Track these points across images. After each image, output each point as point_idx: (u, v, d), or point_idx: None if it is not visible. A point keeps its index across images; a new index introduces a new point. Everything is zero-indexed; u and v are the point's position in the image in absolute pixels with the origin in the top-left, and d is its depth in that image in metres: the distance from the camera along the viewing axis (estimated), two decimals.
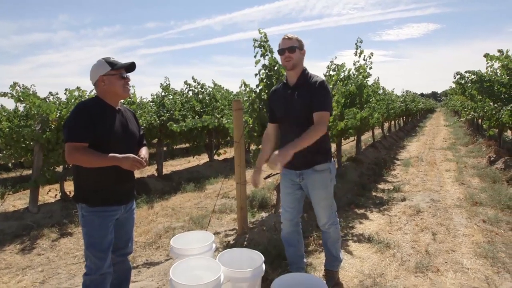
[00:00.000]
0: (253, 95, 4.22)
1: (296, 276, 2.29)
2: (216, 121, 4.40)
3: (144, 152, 2.33)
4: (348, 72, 5.98)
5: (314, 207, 2.75)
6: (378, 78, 8.36)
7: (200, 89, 9.19)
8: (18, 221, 4.77)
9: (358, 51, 5.58)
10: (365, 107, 6.35)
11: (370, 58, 5.89)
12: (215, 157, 9.72)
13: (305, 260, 3.09)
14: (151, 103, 8.42)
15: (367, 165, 8.15)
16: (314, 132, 2.43)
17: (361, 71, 5.94)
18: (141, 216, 5.04)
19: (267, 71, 4.22)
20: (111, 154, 2.02)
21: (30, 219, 4.80)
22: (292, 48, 2.53)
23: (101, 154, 2.01)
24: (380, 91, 10.55)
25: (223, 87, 10.49)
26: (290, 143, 2.38)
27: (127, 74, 2.22)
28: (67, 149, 1.99)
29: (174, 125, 4.33)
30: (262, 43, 4.12)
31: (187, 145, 10.41)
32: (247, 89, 4.32)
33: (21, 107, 7.20)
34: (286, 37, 2.57)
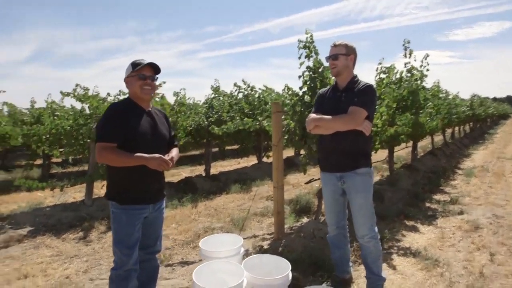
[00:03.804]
0: (295, 98, 4.12)
1: None
2: (257, 124, 4.37)
3: (174, 153, 2.35)
4: (400, 75, 5.63)
5: (353, 215, 2.70)
6: (439, 81, 7.78)
7: (250, 91, 9.24)
8: (74, 212, 5.14)
9: (407, 52, 5.24)
10: (421, 112, 5.92)
11: (426, 59, 5.50)
12: (264, 159, 9.71)
13: (351, 264, 3.02)
14: (205, 105, 8.63)
15: (423, 174, 7.60)
16: (340, 119, 2.51)
17: (413, 72, 5.55)
18: (184, 214, 5.16)
19: (311, 73, 4.10)
20: (137, 154, 2.07)
21: (85, 211, 5.15)
22: (335, 56, 2.63)
23: (129, 153, 2.07)
24: (442, 95, 9.82)
25: (274, 90, 10.44)
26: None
27: (157, 75, 2.27)
28: (97, 149, 2.08)
29: (216, 128, 4.38)
30: (307, 44, 4.00)
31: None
32: (290, 92, 4.24)
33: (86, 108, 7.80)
34: (333, 44, 2.67)
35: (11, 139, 6.96)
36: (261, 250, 3.54)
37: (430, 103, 6.58)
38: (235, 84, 9.20)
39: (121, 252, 2.17)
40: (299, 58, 4.02)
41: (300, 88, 4.15)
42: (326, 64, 4.08)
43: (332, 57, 2.63)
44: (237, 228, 4.61)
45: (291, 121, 4.14)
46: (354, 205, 2.66)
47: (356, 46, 2.70)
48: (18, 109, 9.35)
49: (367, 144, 2.69)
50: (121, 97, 5.89)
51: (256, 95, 9.15)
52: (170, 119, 6.01)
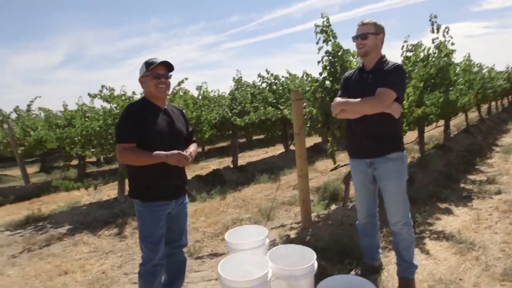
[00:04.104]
0: (315, 84, 4.05)
1: (345, 278, 2.15)
2: (279, 113, 4.34)
3: (192, 148, 2.38)
4: (428, 51, 5.37)
5: (385, 202, 2.60)
6: (469, 54, 7.36)
7: (273, 80, 9.16)
8: (108, 210, 5.36)
9: (435, 27, 4.95)
10: (451, 90, 5.63)
11: (447, 33, 5.20)
12: (291, 147, 9.64)
13: (380, 251, 2.96)
14: (230, 96, 8.66)
15: (457, 153, 7.29)
16: (367, 102, 2.38)
17: (442, 48, 5.27)
18: (212, 207, 5.25)
19: (330, 57, 4.00)
20: (156, 152, 2.11)
21: (118, 208, 5.35)
22: (365, 35, 2.46)
23: (148, 152, 2.11)
24: (475, 69, 9.32)
25: (298, 76, 10.28)
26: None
27: (171, 73, 2.29)
28: (117, 150, 2.14)
29: (238, 119, 4.39)
30: (324, 28, 3.90)
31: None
32: (309, 78, 4.17)
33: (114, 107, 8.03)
34: (361, 23, 2.51)
35: (47, 143, 7.29)
36: (288, 240, 3.55)
37: (461, 79, 6.25)
38: (259, 75, 9.15)
39: (147, 248, 2.24)
40: (317, 43, 3.93)
41: (320, 74, 4.06)
42: (346, 47, 3.98)
43: (361, 36, 2.46)
44: (265, 218, 4.63)
45: (313, 108, 4.08)
46: (386, 192, 2.56)
47: (383, 24, 2.53)
48: (55, 112, 9.78)
49: (398, 127, 2.55)
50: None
51: (280, 83, 9.05)
52: (194, 113, 6.13)
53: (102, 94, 5.60)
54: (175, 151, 2.14)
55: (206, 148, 13.22)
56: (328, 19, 3.82)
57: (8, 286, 3.33)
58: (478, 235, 3.56)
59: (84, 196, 6.67)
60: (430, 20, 5.19)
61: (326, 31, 3.86)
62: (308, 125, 4.06)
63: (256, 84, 8.96)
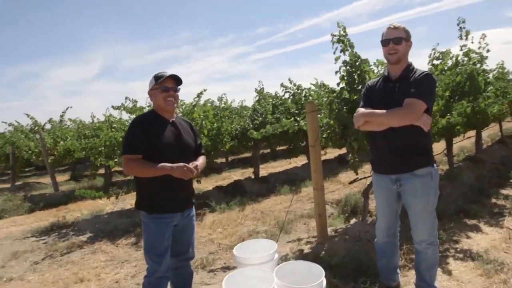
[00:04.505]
0: (332, 95, 3.96)
1: None
2: (296, 125, 4.27)
3: (200, 161, 2.37)
4: (456, 59, 5.14)
5: (411, 219, 2.43)
6: (502, 62, 7.03)
7: (296, 90, 9.08)
8: (129, 218, 5.45)
9: (463, 33, 4.73)
10: (478, 97, 5.35)
11: (483, 39, 4.97)
12: None
13: (399, 271, 2.80)
14: (252, 107, 8.65)
15: (490, 165, 6.91)
16: (394, 114, 2.21)
17: (471, 55, 5.04)
18: (230, 218, 5.21)
19: (348, 67, 3.92)
20: (161, 164, 2.11)
21: (138, 217, 5.38)
22: (398, 39, 2.29)
23: (153, 164, 2.12)
24: (510, 76, 8.85)
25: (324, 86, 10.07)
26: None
27: (179, 86, 2.31)
28: (123, 161, 2.16)
29: (255, 132, 4.37)
30: (341, 38, 3.83)
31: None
32: (326, 89, 4.09)
33: None
34: (392, 26, 2.33)
35: (76, 152, 7.56)
36: (301, 255, 3.45)
37: (491, 87, 5.93)
38: (281, 85, 9.09)
39: (151, 260, 2.23)
40: (334, 53, 3.85)
41: (338, 85, 3.98)
42: (363, 56, 3.87)
43: (394, 41, 2.28)
44: (282, 231, 4.54)
45: (329, 119, 3.99)
46: (412, 210, 2.39)
47: (412, 32, 2.39)
48: (87, 123, 10.16)
49: (427, 140, 2.36)
50: None
51: (303, 94, 8.95)
52: (215, 124, 6.16)
53: (125, 106, 5.74)
54: (181, 164, 2.13)
55: (230, 158, 13.26)
56: (344, 28, 3.75)
57: None
58: (508, 255, 3.31)
59: (108, 205, 6.82)
60: (458, 24, 4.97)
61: (343, 41, 3.78)
62: (324, 137, 3.96)
63: (278, 95, 8.92)
